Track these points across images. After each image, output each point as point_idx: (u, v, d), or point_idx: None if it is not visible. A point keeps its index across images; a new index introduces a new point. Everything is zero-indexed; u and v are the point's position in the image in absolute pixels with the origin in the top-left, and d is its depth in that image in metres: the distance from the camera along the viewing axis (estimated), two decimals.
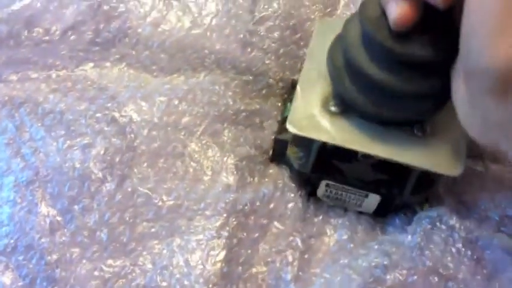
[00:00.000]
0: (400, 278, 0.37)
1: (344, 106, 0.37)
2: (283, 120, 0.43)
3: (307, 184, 0.43)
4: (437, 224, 0.39)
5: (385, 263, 0.37)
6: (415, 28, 0.31)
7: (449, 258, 0.37)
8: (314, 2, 0.50)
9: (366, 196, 0.41)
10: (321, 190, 0.42)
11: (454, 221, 0.39)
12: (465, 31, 0.26)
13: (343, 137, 0.36)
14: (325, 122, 0.37)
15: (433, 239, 0.38)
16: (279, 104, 0.47)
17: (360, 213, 0.43)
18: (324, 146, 0.38)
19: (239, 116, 0.45)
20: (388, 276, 0.37)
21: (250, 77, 0.47)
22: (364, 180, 0.40)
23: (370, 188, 0.40)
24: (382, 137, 0.36)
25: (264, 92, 0.47)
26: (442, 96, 0.33)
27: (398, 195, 0.40)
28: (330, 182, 0.41)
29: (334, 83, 0.37)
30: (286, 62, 0.48)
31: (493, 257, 0.38)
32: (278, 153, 0.44)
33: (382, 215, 0.42)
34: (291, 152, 0.41)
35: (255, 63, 0.47)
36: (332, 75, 0.37)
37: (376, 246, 0.38)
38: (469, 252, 0.38)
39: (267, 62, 0.48)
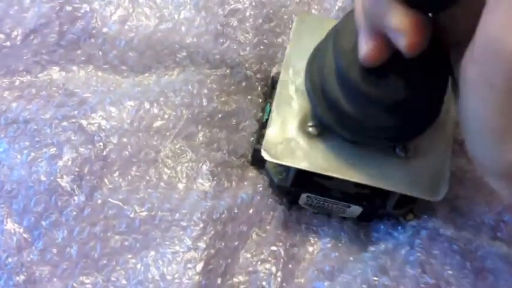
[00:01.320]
0: None
1: (322, 128, 0.35)
2: (263, 125, 0.41)
3: (287, 195, 0.41)
4: (435, 236, 0.37)
5: (386, 283, 0.35)
6: (386, 66, 0.29)
7: (450, 272, 0.36)
8: None
9: (349, 207, 0.39)
10: (303, 200, 0.40)
11: (451, 232, 0.37)
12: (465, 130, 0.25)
13: (321, 163, 0.34)
14: (302, 145, 0.35)
15: (433, 253, 0.36)
16: (260, 100, 0.45)
17: (344, 218, 0.41)
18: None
19: (214, 118, 0.43)
20: None
21: (227, 70, 0.45)
22: (347, 193, 0.38)
23: (352, 200, 0.39)
24: (361, 161, 0.34)
25: (242, 85, 0.45)
26: (426, 122, 0.32)
27: (380, 208, 0.39)
28: (311, 195, 0.39)
29: (312, 105, 0.35)
30: (263, 52, 0.46)
31: (493, 267, 0.37)
32: (258, 161, 0.42)
33: (366, 220, 0.41)
34: (270, 165, 0.39)
35: (230, 54, 0.45)
36: (310, 96, 0.34)
37: (371, 262, 0.37)
38: (469, 264, 0.36)
39: (242, 53, 0.45)
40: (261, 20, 0.46)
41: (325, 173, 0.34)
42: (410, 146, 0.35)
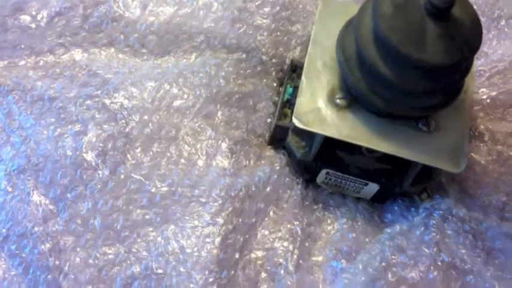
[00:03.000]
0: (421, 275, 0.37)
1: (351, 99, 0.36)
2: (284, 104, 0.43)
3: (307, 171, 0.42)
4: (449, 217, 0.39)
5: (404, 261, 0.36)
6: (427, 31, 0.31)
7: (463, 251, 0.37)
8: None
9: (366, 185, 0.40)
10: (321, 177, 0.41)
11: (462, 213, 0.38)
12: None
13: (349, 132, 0.36)
14: (331, 115, 0.36)
15: (446, 233, 0.38)
16: (274, 84, 0.46)
17: (358, 199, 0.42)
18: (328, 137, 0.37)
19: (232, 98, 0.44)
20: (409, 275, 0.36)
21: (243, 55, 0.46)
22: (366, 170, 0.40)
23: (370, 177, 0.40)
24: (387, 132, 0.36)
25: (258, 69, 0.46)
26: (452, 94, 0.34)
27: (397, 186, 0.40)
28: (331, 171, 0.40)
29: (343, 75, 0.36)
30: (279, 38, 0.47)
31: (503, 247, 0.38)
32: (277, 139, 0.43)
33: (380, 201, 0.42)
34: (293, 140, 0.41)
35: (246, 39, 0.46)
36: (342, 66, 0.36)
37: (388, 242, 0.38)
38: (480, 243, 0.37)
39: (259, 38, 0.47)
40: (278, 8, 0.48)
41: (353, 142, 0.36)
42: (432, 121, 0.37)
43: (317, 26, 0.40)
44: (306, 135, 0.40)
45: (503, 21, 0.51)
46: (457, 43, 0.31)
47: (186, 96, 0.43)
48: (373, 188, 0.41)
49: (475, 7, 0.51)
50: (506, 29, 0.50)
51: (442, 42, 0.31)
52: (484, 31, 0.51)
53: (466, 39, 0.32)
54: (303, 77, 0.38)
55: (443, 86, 0.33)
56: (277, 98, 0.46)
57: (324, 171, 0.41)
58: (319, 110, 0.36)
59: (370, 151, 0.38)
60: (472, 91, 0.39)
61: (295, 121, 0.36)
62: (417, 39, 0.31)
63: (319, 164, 0.40)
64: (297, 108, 0.36)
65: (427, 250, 0.37)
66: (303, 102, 0.37)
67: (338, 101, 0.37)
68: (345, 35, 0.36)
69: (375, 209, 0.43)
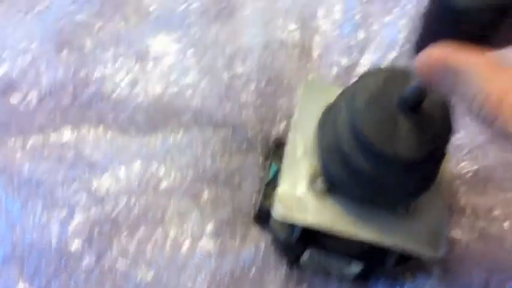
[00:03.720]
0: None
1: (331, 185, 0.37)
2: (268, 183, 0.43)
3: (291, 251, 0.42)
4: None
5: None
6: (400, 125, 0.31)
7: None
8: (288, 54, 0.50)
9: (349, 264, 0.41)
10: (305, 257, 0.42)
11: None
12: None
13: (329, 220, 0.36)
14: (311, 203, 0.37)
15: None
16: (260, 160, 0.47)
17: (342, 279, 0.43)
18: None
19: (219, 177, 0.45)
20: None
21: (229, 131, 0.47)
22: (349, 250, 0.40)
23: (354, 257, 0.40)
24: (367, 218, 0.36)
25: (244, 145, 0.47)
26: (429, 181, 0.34)
27: (380, 265, 0.40)
28: (315, 251, 0.41)
29: (323, 162, 0.37)
30: (264, 114, 0.49)
31: None
32: (262, 219, 0.44)
33: (363, 280, 0.42)
34: (275, 222, 0.41)
35: (232, 116, 0.47)
36: (321, 154, 0.36)
37: None
38: None
39: (245, 114, 0.48)
40: (263, 84, 0.49)
41: (333, 232, 0.36)
42: (411, 204, 0.37)
43: (298, 111, 0.41)
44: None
45: None
46: (429, 135, 0.32)
47: (173, 177, 0.43)
48: (356, 267, 0.41)
49: None
50: None
51: (414, 136, 0.32)
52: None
53: (437, 130, 0.32)
54: (283, 165, 0.38)
55: (419, 176, 0.34)
56: (263, 174, 0.46)
57: (307, 251, 0.41)
58: (299, 199, 0.37)
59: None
60: (449, 170, 0.40)
61: (275, 212, 0.36)
62: (390, 133, 0.32)
63: (303, 245, 0.41)
64: (277, 198, 0.37)
65: None
66: (283, 191, 0.37)
67: (319, 186, 0.37)
68: (324, 123, 0.37)
69: None
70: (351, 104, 0.33)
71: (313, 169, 0.38)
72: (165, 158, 0.44)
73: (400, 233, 0.36)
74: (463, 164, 0.48)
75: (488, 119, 0.24)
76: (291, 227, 0.41)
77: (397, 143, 0.32)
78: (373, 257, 0.40)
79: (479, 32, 0.25)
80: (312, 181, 0.37)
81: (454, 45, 0.25)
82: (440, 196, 0.38)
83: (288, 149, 0.39)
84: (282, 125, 0.48)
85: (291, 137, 0.39)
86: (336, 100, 0.37)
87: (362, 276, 0.42)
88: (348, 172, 0.35)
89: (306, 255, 0.42)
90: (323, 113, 0.38)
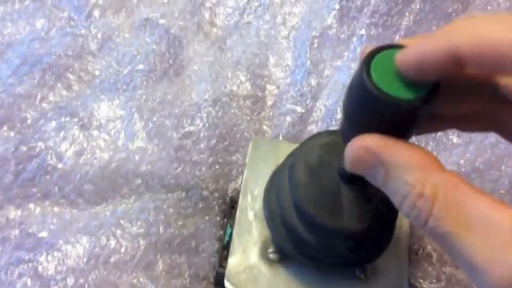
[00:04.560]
0: None
1: (283, 254, 0.36)
2: (225, 247, 0.42)
3: None
4: None
5: None
6: (341, 199, 0.31)
7: None
8: (240, 107, 0.49)
9: None
10: None
11: None
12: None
13: None
14: (264, 272, 0.35)
15: None
16: (218, 219, 0.46)
17: None
18: None
19: (173, 243, 0.43)
20: None
21: (183, 193, 0.46)
22: None
23: None
24: (323, 284, 0.35)
25: (199, 206, 0.46)
26: (382, 245, 0.34)
27: None
28: None
29: (271, 232, 0.36)
30: (219, 171, 0.47)
31: None
32: (220, 283, 0.42)
33: None
34: None
35: (185, 177, 0.46)
36: (269, 223, 0.36)
37: None
38: None
39: (198, 173, 0.46)
40: (214, 141, 0.48)
41: None
42: (368, 266, 0.36)
43: (247, 172, 0.40)
44: None
45: None
46: (373, 204, 0.31)
47: (124, 249, 0.42)
48: None
49: None
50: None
51: (358, 207, 0.31)
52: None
53: (383, 197, 0.32)
54: (234, 233, 0.37)
55: (371, 243, 0.33)
56: (222, 232, 0.45)
57: None
58: (251, 269, 0.36)
59: None
60: (407, 226, 0.39)
61: (227, 285, 0.35)
62: (332, 205, 0.31)
63: None
64: (228, 270, 0.36)
65: None
66: (234, 262, 0.36)
67: (271, 255, 0.36)
68: (270, 192, 0.36)
69: None
70: (291, 177, 0.32)
71: (264, 236, 0.37)
72: (115, 229, 0.42)
73: None
74: None
75: (420, 218, 0.23)
76: None
77: (340, 215, 0.31)
78: None
79: (400, 122, 0.25)
80: (264, 250, 0.36)
81: (383, 137, 0.25)
82: (400, 253, 0.37)
83: (238, 214, 0.38)
84: (239, 181, 0.47)
85: (241, 200, 0.39)
86: (278, 168, 0.36)
87: None
88: (295, 244, 0.34)
89: None
90: (269, 179, 0.37)
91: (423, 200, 0.23)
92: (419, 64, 0.24)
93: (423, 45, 0.24)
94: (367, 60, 0.25)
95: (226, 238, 0.42)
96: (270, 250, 0.36)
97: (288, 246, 0.34)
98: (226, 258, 0.42)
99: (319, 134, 0.35)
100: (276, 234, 0.35)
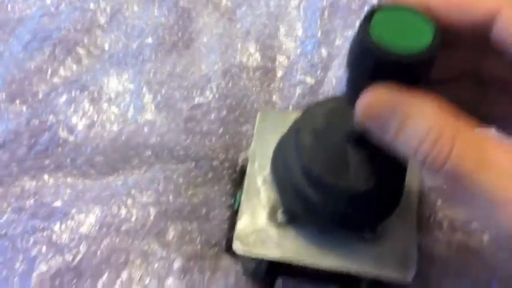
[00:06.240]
0: None
1: (291, 216, 0.36)
2: (235, 213, 0.42)
3: (262, 282, 0.41)
4: None
5: None
6: (348, 158, 0.31)
7: None
8: (249, 78, 0.49)
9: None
10: (278, 286, 0.40)
11: None
12: None
13: (292, 251, 0.35)
14: (273, 234, 0.36)
15: None
16: (228, 188, 0.46)
17: None
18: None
19: (183, 211, 0.44)
20: None
21: (192, 164, 0.46)
22: (321, 274, 0.38)
23: (328, 280, 0.39)
24: (332, 246, 0.35)
25: (209, 176, 0.46)
26: (383, 213, 0.33)
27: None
28: (287, 280, 0.39)
29: (280, 194, 0.36)
30: (229, 141, 0.48)
31: None
32: (232, 248, 0.42)
33: None
34: (243, 257, 0.40)
35: (195, 148, 0.46)
36: (277, 186, 0.36)
37: None
38: None
39: (208, 144, 0.47)
40: (224, 112, 0.48)
41: (297, 262, 0.35)
42: (378, 228, 0.36)
43: (255, 141, 0.40)
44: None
45: None
46: (380, 166, 0.31)
47: (134, 217, 0.42)
48: None
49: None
50: None
51: (365, 168, 0.31)
52: None
53: (390, 160, 0.31)
54: (242, 198, 0.37)
55: (380, 203, 0.33)
56: (232, 200, 0.45)
57: (279, 281, 0.40)
58: (260, 231, 0.36)
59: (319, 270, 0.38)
60: (417, 191, 0.39)
61: (235, 248, 0.36)
62: (339, 166, 0.31)
63: (273, 275, 0.40)
64: (236, 233, 0.36)
65: None
66: (242, 225, 0.36)
67: (279, 218, 0.36)
68: (277, 157, 0.36)
69: None
70: (298, 141, 0.32)
71: (272, 201, 0.37)
72: (126, 198, 0.43)
73: (367, 259, 0.35)
74: None
75: (438, 160, 0.23)
76: (258, 263, 0.39)
77: (347, 175, 0.31)
78: (346, 281, 0.39)
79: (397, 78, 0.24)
80: (272, 213, 0.37)
81: (397, 85, 0.24)
82: (409, 217, 0.37)
83: (246, 181, 0.38)
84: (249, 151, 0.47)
85: (249, 168, 0.39)
86: (284, 134, 0.36)
87: None
88: (304, 206, 0.34)
89: (278, 285, 0.40)
90: (277, 144, 0.37)
91: (443, 140, 0.23)
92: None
93: None
94: (370, 13, 0.25)
95: (237, 205, 0.43)
96: (279, 213, 0.36)
97: (297, 208, 0.34)
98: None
99: (324, 100, 0.35)
100: (284, 198, 0.35)
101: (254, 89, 0.50)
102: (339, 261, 0.35)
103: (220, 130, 0.48)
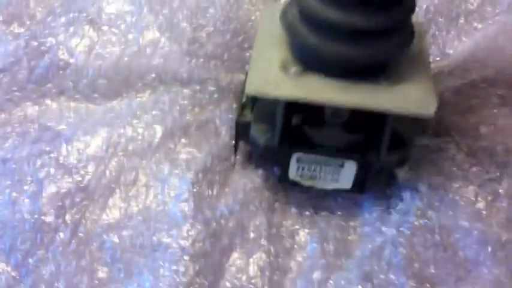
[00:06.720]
0: None
1: (304, 67, 0.35)
2: (243, 105, 0.41)
3: (276, 161, 0.40)
4: (417, 233, 0.38)
5: None
6: None
7: (433, 271, 0.37)
8: (253, 3, 0.48)
9: (342, 166, 0.38)
10: (293, 168, 0.39)
11: (432, 222, 0.38)
12: None
13: (307, 92, 0.34)
14: (285, 82, 0.34)
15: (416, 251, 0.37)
16: (234, 106, 0.45)
17: (331, 213, 0.41)
18: (289, 109, 0.35)
19: (190, 128, 0.43)
20: None
21: (197, 86, 0.45)
22: (337, 145, 0.38)
23: (344, 154, 0.38)
24: (347, 89, 0.34)
25: (215, 96, 0.46)
26: (405, 35, 0.35)
27: (374, 158, 0.38)
28: (302, 155, 0.38)
29: (291, 39, 0.35)
30: (233, 65, 0.47)
31: (470, 254, 0.37)
32: (241, 138, 0.41)
33: (360, 189, 0.40)
34: (255, 130, 0.39)
35: (198, 71, 0.46)
36: (287, 31, 0.35)
37: (355, 271, 0.37)
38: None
39: (212, 68, 0.46)
40: (229, 36, 0.47)
41: (312, 100, 0.34)
42: (392, 74, 0.35)
43: (265, 10, 0.39)
44: (267, 117, 0.38)
45: (462, 18, 0.50)
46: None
47: (141, 137, 0.42)
48: (350, 170, 0.39)
49: (431, 8, 0.51)
50: (465, 27, 0.49)
51: (367, 5, 0.31)
52: (444, 32, 0.50)
53: None
54: (253, 53, 0.36)
55: (391, 23, 0.33)
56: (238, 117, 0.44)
57: (294, 158, 0.38)
58: (272, 78, 0.35)
59: (336, 117, 0.37)
60: (426, 53, 0.39)
61: (248, 90, 0.34)
62: (344, 4, 0.31)
63: (287, 146, 0.38)
64: (249, 77, 0.35)
65: (393, 276, 0.36)
66: (255, 73, 0.35)
67: (292, 70, 0.35)
68: (287, 10, 0.36)
69: (349, 222, 0.41)
70: None
71: (283, 57, 0.36)
72: (131, 119, 0.43)
73: (386, 99, 0.34)
74: (444, 85, 0.46)
75: None
76: (271, 129, 0.38)
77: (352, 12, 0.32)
78: (364, 149, 0.38)
79: None
80: (284, 67, 0.35)
81: None
82: (422, 64, 0.37)
83: (257, 39, 0.37)
84: None
85: (259, 32, 0.38)
86: None
87: (358, 184, 0.39)
88: (317, 34, 0.34)
89: (293, 165, 0.39)
90: (283, 7, 0.37)
91: None
92: None
93: None
94: None
95: (244, 98, 0.41)
96: (291, 66, 0.35)
97: (310, 41, 0.34)
98: (246, 112, 0.40)
99: None
100: (295, 37, 0.35)
101: (258, 13, 0.49)
102: (356, 98, 0.34)
103: (225, 55, 0.46)
